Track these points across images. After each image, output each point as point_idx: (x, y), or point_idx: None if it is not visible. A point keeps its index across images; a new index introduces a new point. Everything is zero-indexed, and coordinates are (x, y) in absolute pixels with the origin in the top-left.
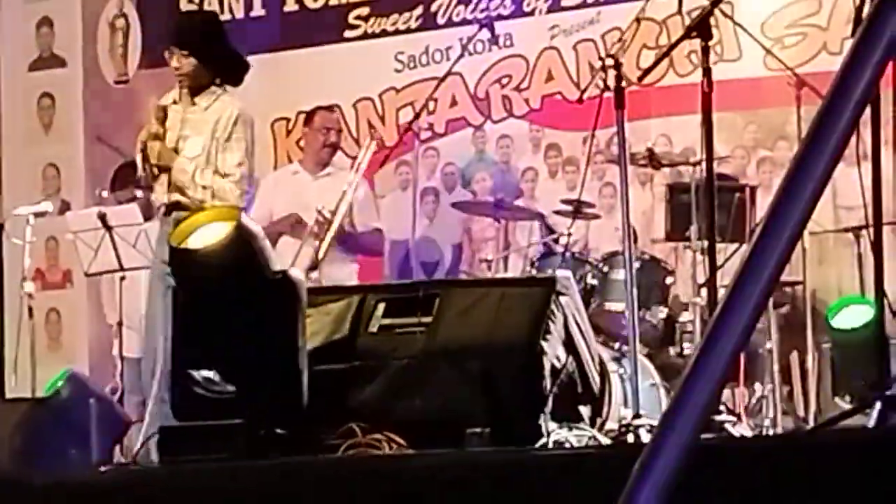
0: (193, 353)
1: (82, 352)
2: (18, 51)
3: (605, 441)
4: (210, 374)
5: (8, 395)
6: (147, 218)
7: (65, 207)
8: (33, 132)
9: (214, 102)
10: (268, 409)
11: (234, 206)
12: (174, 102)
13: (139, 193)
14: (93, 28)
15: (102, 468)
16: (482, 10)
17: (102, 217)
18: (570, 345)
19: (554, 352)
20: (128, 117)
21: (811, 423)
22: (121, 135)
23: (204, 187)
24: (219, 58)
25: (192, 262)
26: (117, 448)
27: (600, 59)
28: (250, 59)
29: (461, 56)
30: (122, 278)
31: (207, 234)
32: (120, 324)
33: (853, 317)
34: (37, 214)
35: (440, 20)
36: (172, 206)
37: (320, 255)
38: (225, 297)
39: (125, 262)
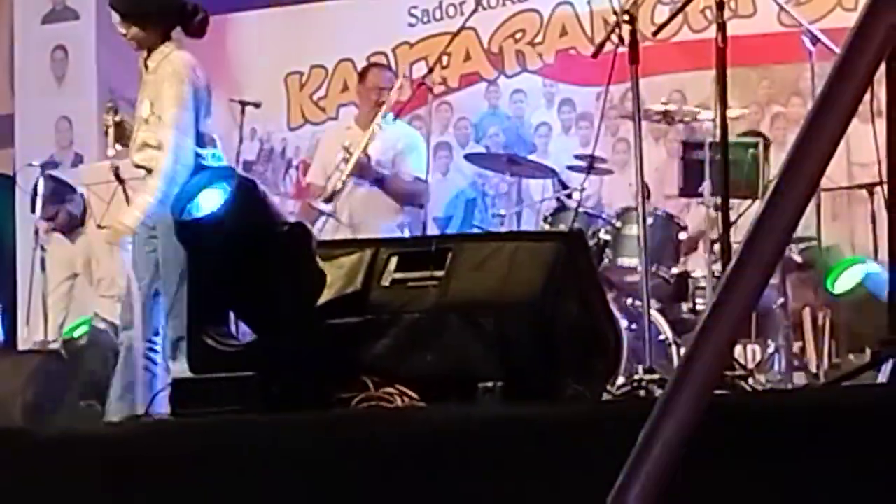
0: (207, 309)
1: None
2: (31, 4)
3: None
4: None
5: (21, 347)
6: None
7: (77, 160)
8: (46, 85)
9: (162, 61)
10: (280, 362)
11: (227, 166)
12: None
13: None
14: None
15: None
16: None
17: (115, 170)
18: (582, 300)
19: (566, 307)
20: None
21: (822, 380)
22: (133, 88)
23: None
24: (161, 17)
25: (197, 231)
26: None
27: (615, 13)
28: (264, 12)
29: (475, 10)
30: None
31: (207, 200)
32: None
33: (850, 279)
34: (46, 165)
35: None
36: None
37: (336, 187)
38: (234, 255)
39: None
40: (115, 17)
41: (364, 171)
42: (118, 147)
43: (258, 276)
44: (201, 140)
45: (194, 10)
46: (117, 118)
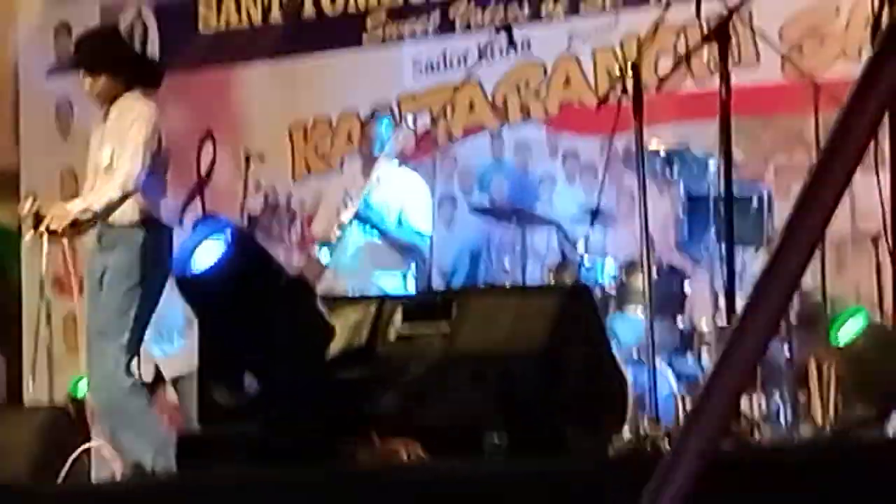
0: (214, 363)
1: None
2: (36, 57)
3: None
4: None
5: (26, 402)
6: None
7: None
8: (51, 138)
9: (125, 110)
10: (286, 415)
11: (223, 219)
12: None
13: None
14: None
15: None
16: (500, 16)
17: None
18: (588, 352)
19: (572, 359)
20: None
21: (828, 431)
22: None
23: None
24: (126, 68)
25: (197, 286)
26: None
27: (618, 65)
28: (268, 63)
29: (479, 62)
30: None
31: (204, 255)
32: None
33: (853, 329)
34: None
35: (458, 25)
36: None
37: (336, 234)
38: (236, 308)
39: None
40: (80, 74)
41: (366, 218)
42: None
43: (260, 328)
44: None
45: (152, 60)
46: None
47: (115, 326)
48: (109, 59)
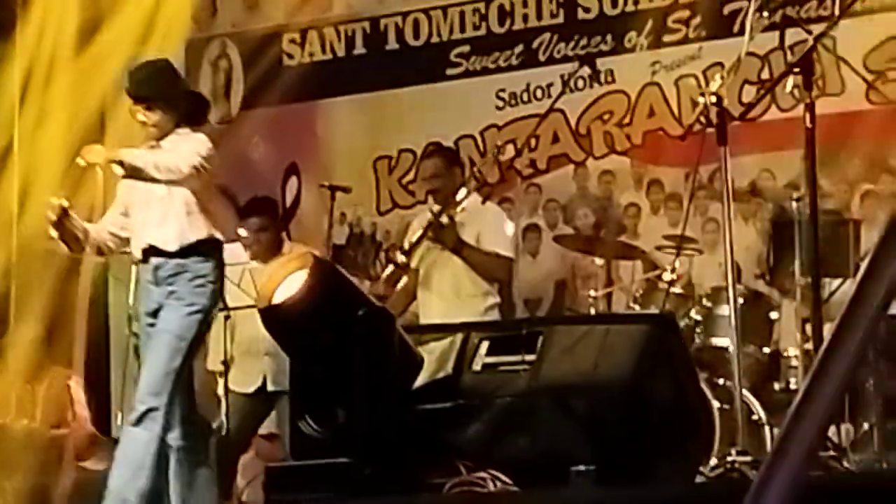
0: (304, 395)
1: None
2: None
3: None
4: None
5: (115, 434)
6: None
7: None
8: None
9: (178, 143)
10: (373, 446)
11: (307, 253)
12: None
13: (243, 233)
14: (195, 69)
15: None
16: (583, 47)
17: None
18: (674, 381)
19: (658, 388)
20: (231, 157)
21: None
22: (223, 174)
23: None
24: (180, 103)
25: (279, 317)
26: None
27: (702, 94)
28: (353, 98)
29: (562, 93)
30: (227, 317)
31: (287, 288)
32: (224, 362)
33: None
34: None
35: (541, 57)
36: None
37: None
38: (319, 339)
39: (229, 300)
40: (137, 108)
41: (443, 234)
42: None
43: (341, 358)
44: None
45: (200, 95)
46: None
47: None
48: (167, 93)
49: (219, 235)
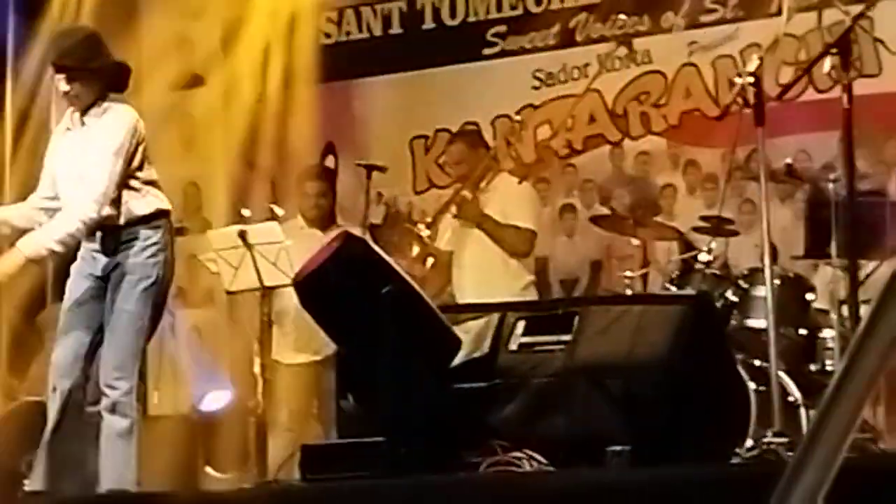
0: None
1: (224, 370)
2: (160, 70)
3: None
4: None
5: (151, 413)
6: None
7: (206, 226)
8: (175, 151)
9: (104, 114)
10: (410, 426)
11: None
12: (68, 129)
13: (279, 211)
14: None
15: (247, 485)
16: (620, 27)
17: (243, 235)
18: (710, 362)
19: (694, 369)
20: (267, 136)
21: None
22: (260, 152)
23: None
24: (103, 74)
25: (313, 293)
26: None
27: (739, 75)
28: (389, 77)
29: (599, 73)
30: (263, 296)
31: (315, 258)
32: (260, 341)
33: None
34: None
35: (578, 37)
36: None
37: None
38: (348, 316)
39: (266, 279)
40: (59, 77)
41: (465, 209)
42: None
43: (375, 337)
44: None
45: (122, 65)
46: None
47: None
48: (90, 63)
49: (165, 206)
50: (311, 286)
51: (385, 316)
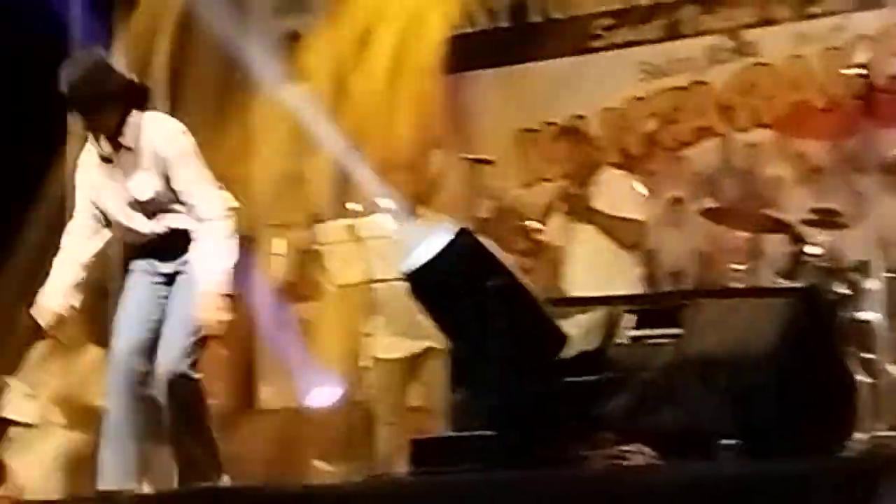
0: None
1: (334, 363)
2: (266, 68)
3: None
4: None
5: (261, 407)
6: None
7: (313, 220)
8: (282, 144)
9: (141, 133)
10: (520, 419)
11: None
12: (104, 159)
13: (388, 204)
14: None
15: (355, 478)
16: (727, 19)
17: (353, 229)
18: (820, 355)
19: (804, 362)
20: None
21: None
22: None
23: None
24: (118, 93)
25: (423, 285)
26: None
27: (848, 67)
28: (496, 70)
29: (706, 65)
30: (372, 290)
31: (426, 249)
32: (368, 335)
33: None
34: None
35: (685, 29)
36: None
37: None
38: (458, 309)
39: (376, 273)
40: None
41: (573, 203)
42: None
43: (480, 329)
44: None
45: (137, 83)
46: None
47: None
48: (108, 93)
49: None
50: (423, 278)
51: (493, 309)
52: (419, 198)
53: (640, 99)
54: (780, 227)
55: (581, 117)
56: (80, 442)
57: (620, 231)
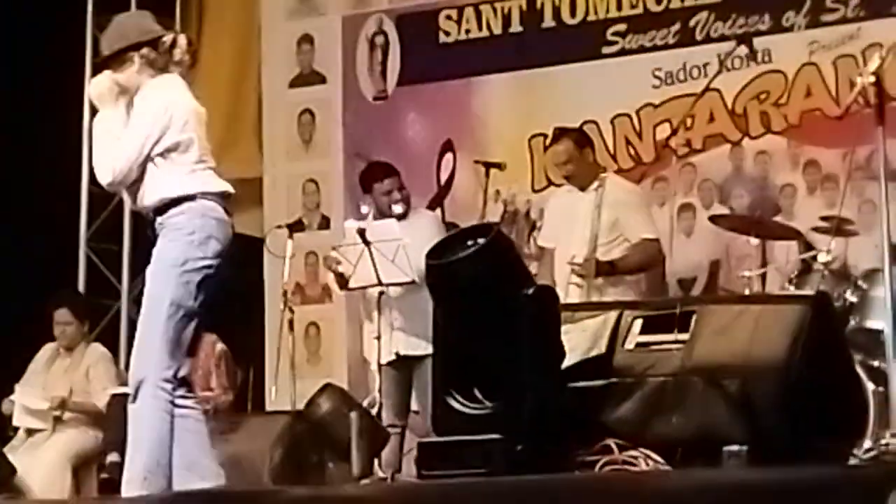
0: (454, 369)
1: (341, 366)
2: (280, 68)
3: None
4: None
5: (268, 408)
6: None
7: (324, 223)
8: (294, 148)
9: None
10: (525, 425)
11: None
12: None
13: (398, 209)
14: (352, 45)
15: (362, 482)
16: (740, 26)
17: (361, 232)
18: (828, 362)
19: (812, 369)
20: (386, 133)
21: None
22: (379, 150)
23: None
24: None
25: (447, 274)
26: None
27: (860, 75)
28: (508, 75)
29: (719, 72)
30: (381, 293)
31: (456, 245)
32: (378, 338)
33: None
34: (293, 227)
35: (698, 36)
36: None
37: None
38: (481, 310)
39: (384, 276)
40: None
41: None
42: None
43: (503, 335)
44: None
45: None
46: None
47: None
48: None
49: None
50: (448, 273)
51: (521, 316)
52: (431, 202)
53: (652, 105)
54: (790, 234)
55: (594, 123)
56: (86, 442)
57: (639, 260)
